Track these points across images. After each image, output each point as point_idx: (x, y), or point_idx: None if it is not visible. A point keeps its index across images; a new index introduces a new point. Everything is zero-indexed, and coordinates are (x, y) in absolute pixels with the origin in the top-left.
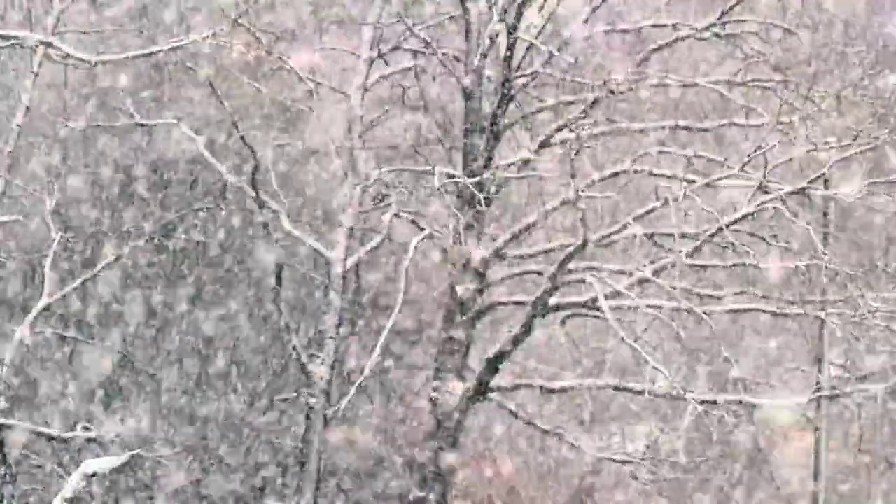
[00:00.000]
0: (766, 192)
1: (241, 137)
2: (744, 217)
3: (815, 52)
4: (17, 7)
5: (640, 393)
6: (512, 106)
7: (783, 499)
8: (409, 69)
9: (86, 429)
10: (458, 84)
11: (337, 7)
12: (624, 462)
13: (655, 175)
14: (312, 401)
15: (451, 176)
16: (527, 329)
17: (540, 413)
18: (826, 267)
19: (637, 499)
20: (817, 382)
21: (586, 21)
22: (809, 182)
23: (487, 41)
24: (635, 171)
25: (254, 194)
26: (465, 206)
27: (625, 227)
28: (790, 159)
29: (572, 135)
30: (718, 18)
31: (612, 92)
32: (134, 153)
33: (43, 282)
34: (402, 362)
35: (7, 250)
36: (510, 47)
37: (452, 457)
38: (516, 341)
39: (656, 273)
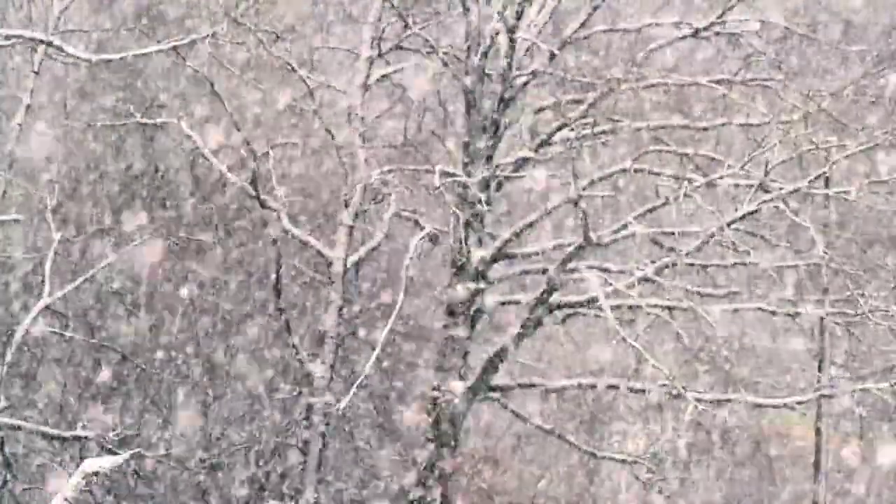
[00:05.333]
0: (767, 192)
1: (242, 137)
2: (744, 216)
3: (815, 52)
4: (18, 6)
5: (641, 392)
6: (512, 105)
7: (784, 498)
8: (410, 68)
9: (86, 428)
10: (459, 83)
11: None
12: (624, 462)
13: (656, 174)
14: (312, 400)
15: (451, 175)
16: (527, 328)
17: (540, 413)
18: (826, 266)
19: (637, 499)
20: (818, 382)
21: (587, 20)
22: (810, 181)
23: (488, 40)
24: (635, 171)
25: (254, 193)
26: (465, 205)
27: (625, 226)
28: (790, 158)
29: (572, 134)
30: (719, 17)
31: (612, 91)
32: (134, 152)
33: (43, 282)
34: (403, 362)
35: (7, 250)
36: (510, 46)
37: (452, 457)
38: (516, 341)
39: (657, 272)
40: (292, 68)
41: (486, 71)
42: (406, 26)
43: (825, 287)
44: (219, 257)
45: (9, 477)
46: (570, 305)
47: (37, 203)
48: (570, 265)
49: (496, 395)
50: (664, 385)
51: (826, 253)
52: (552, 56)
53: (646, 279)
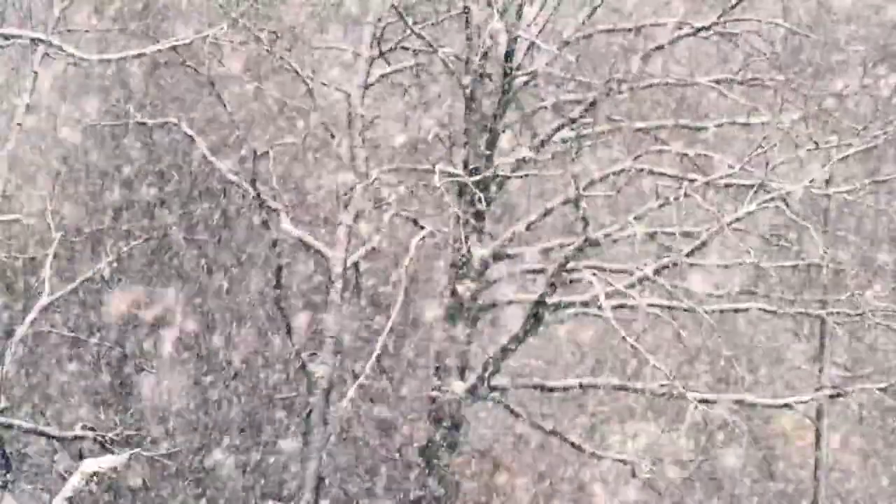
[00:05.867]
0: (767, 192)
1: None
2: (744, 216)
3: (816, 52)
4: (17, 6)
5: (641, 392)
6: (512, 105)
7: (784, 498)
8: (410, 68)
9: (86, 428)
10: (459, 83)
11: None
12: (624, 462)
13: (656, 174)
14: (312, 400)
15: (451, 175)
16: (528, 328)
17: (540, 413)
18: (827, 266)
19: (637, 499)
20: (818, 381)
21: (587, 20)
22: (810, 181)
23: (488, 40)
24: (635, 171)
25: (254, 193)
26: (465, 205)
27: (625, 226)
28: (790, 158)
29: (572, 134)
30: (719, 17)
31: (612, 91)
32: (134, 152)
33: (43, 282)
34: (402, 362)
35: (7, 250)
36: (510, 46)
37: (452, 457)
38: (517, 340)
39: (657, 272)
40: (292, 68)
41: (486, 71)
42: (406, 26)
43: (825, 287)
44: (219, 257)
45: (9, 477)
46: (570, 305)
47: (37, 203)
48: (570, 265)
49: (496, 395)
50: (664, 385)
51: (826, 252)
52: (552, 56)
53: (646, 279)
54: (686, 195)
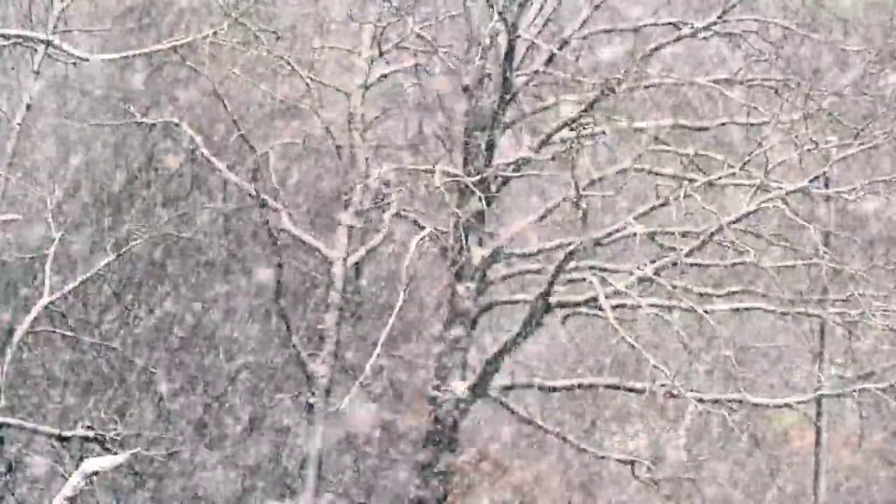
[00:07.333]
0: (767, 192)
1: (242, 136)
2: (744, 216)
3: (816, 52)
4: (18, 5)
5: (641, 392)
6: (512, 105)
7: (784, 498)
8: (410, 68)
9: (86, 428)
10: (459, 83)
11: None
12: (624, 461)
13: (656, 174)
14: (312, 400)
15: (451, 175)
16: (527, 328)
17: (541, 412)
18: (826, 266)
19: (637, 498)
20: (818, 381)
21: (587, 20)
22: (810, 181)
23: (488, 40)
24: (635, 170)
25: (254, 193)
26: (465, 205)
27: (625, 226)
28: (790, 158)
29: (572, 134)
30: (719, 17)
31: (612, 90)
32: (134, 152)
33: (43, 281)
34: (403, 362)
35: (7, 250)
36: (510, 46)
37: (452, 457)
38: (517, 340)
39: (657, 272)
40: (292, 68)
41: (486, 71)
42: (406, 26)
43: (825, 287)
44: (219, 257)
45: (9, 477)
46: (570, 305)
47: (37, 203)
48: (570, 265)
49: (496, 394)
50: (664, 385)
51: (826, 252)
52: (552, 56)
53: (646, 279)
54: (686, 195)
